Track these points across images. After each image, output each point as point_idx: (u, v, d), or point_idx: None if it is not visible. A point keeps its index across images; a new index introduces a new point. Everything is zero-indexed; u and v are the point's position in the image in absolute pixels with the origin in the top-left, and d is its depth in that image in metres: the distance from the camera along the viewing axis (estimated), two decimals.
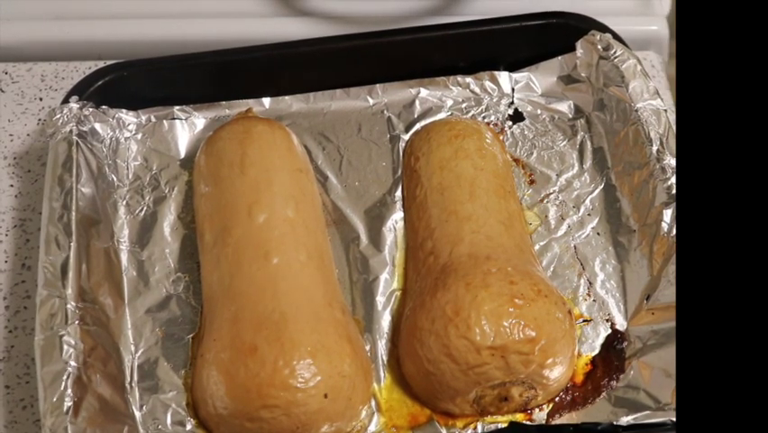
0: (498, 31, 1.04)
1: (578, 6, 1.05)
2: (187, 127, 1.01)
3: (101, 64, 1.07)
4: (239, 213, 0.86)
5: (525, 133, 1.02)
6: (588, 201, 0.96)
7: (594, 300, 0.89)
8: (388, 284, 0.90)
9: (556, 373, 0.80)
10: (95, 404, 0.76)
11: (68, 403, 0.74)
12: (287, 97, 1.03)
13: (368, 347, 0.85)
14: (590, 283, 0.90)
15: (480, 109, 1.04)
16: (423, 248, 0.88)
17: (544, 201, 0.96)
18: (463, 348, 0.77)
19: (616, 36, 1.02)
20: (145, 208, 0.94)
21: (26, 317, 0.89)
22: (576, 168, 0.99)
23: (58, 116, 0.93)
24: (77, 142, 0.91)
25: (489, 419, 0.81)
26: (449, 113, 1.03)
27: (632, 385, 0.82)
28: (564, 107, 1.04)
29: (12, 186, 0.99)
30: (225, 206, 0.87)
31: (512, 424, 0.80)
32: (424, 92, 1.04)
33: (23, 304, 0.90)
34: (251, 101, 1.03)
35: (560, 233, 0.94)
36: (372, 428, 0.81)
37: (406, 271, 0.91)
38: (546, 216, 0.95)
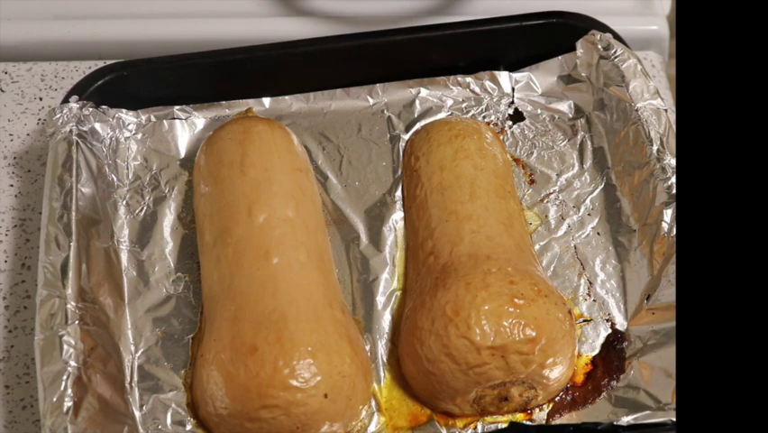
0: (498, 31, 1.04)
1: (578, 6, 1.05)
2: (187, 127, 1.01)
3: (101, 64, 1.08)
4: (239, 213, 0.86)
5: (526, 132, 1.02)
6: (588, 201, 0.96)
7: (594, 300, 0.89)
8: (388, 284, 0.90)
9: (556, 373, 0.80)
10: (95, 404, 0.76)
11: (68, 403, 0.74)
12: (287, 97, 1.03)
13: (368, 347, 0.85)
14: (591, 283, 0.90)
15: (480, 109, 1.04)
16: (423, 248, 0.88)
17: (545, 201, 0.96)
18: (463, 348, 0.77)
19: (616, 36, 1.02)
20: (145, 208, 0.94)
21: (26, 317, 0.89)
22: (576, 168, 0.99)
23: (58, 116, 0.93)
24: (77, 142, 0.91)
25: (489, 418, 0.81)
26: (449, 112, 1.03)
27: (632, 385, 0.82)
28: (564, 107, 1.04)
29: (12, 186, 0.99)
30: (225, 206, 0.87)
31: (512, 424, 0.80)
32: (424, 92, 1.04)
33: (23, 304, 0.90)
34: (251, 101, 1.03)
35: (560, 233, 0.94)
36: (372, 427, 0.81)
37: (406, 270, 0.91)
38: (546, 216, 0.95)
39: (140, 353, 0.85)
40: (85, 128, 0.94)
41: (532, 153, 1.00)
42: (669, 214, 0.87)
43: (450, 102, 1.04)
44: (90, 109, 0.95)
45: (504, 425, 0.81)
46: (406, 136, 1.01)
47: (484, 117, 1.03)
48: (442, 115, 1.03)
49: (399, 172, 0.98)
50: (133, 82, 1.00)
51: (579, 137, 1.01)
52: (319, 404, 0.76)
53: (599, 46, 1.00)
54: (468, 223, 0.87)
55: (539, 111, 1.04)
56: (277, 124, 0.96)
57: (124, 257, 0.91)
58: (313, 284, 0.83)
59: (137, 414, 0.80)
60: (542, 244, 0.93)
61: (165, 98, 1.01)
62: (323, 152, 1.00)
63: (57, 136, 0.92)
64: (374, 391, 0.83)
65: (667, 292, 0.85)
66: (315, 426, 0.77)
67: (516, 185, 0.96)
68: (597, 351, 0.86)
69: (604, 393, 0.83)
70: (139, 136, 0.99)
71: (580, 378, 0.84)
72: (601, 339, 0.87)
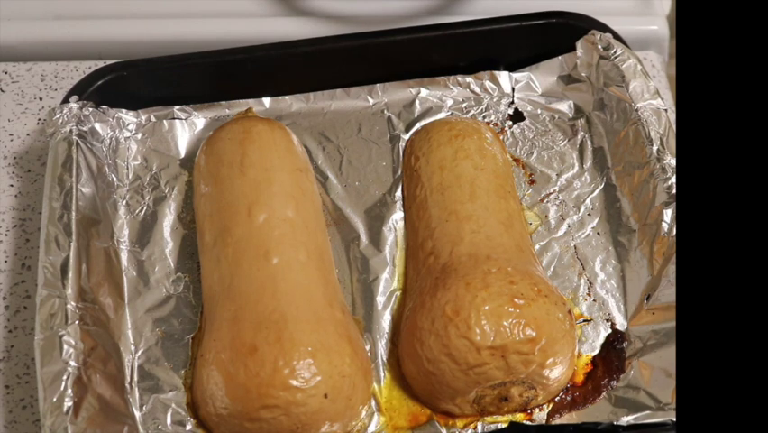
0: (498, 31, 1.04)
1: (578, 6, 1.05)
2: (187, 127, 1.01)
3: (101, 64, 1.08)
4: (239, 213, 0.86)
5: (526, 132, 1.02)
6: (588, 201, 0.96)
7: (594, 300, 0.89)
8: (388, 284, 0.90)
9: (556, 373, 0.80)
10: (95, 404, 0.76)
11: (68, 403, 0.74)
12: (287, 97, 1.03)
13: (368, 347, 0.85)
14: (590, 283, 0.90)
15: (480, 109, 1.04)
16: (423, 248, 0.88)
17: (545, 201, 0.96)
18: (463, 348, 0.77)
19: (616, 36, 1.02)
20: (145, 208, 0.94)
21: (26, 317, 0.89)
22: (576, 168, 0.99)
23: (58, 116, 0.93)
24: (77, 142, 0.91)
25: (489, 418, 0.81)
26: (449, 112, 1.03)
27: (632, 385, 0.82)
28: (564, 107, 1.04)
29: (12, 186, 0.99)
30: (225, 206, 0.87)
31: (512, 424, 0.80)
32: (424, 92, 1.04)
33: (23, 304, 0.90)
34: (251, 101, 1.03)
35: (560, 233, 0.94)
36: (372, 427, 0.81)
37: (406, 270, 0.91)
38: (546, 216, 0.95)
39: (140, 353, 0.85)
40: (85, 128, 0.94)
41: (532, 153, 1.00)
42: (669, 214, 0.87)
43: (450, 102, 1.04)
44: (90, 109, 0.95)
45: (504, 425, 0.81)
46: (406, 136, 1.01)
47: (484, 117, 1.03)
48: (442, 115, 1.03)
49: (399, 172, 0.98)
50: (133, 82, 1.00)
51: (579, 137, 1.01)
52: (319, 404, 0.76)
53: (599, 46, 1.00)
54: (468, 223, 0.87)
55: (539, 111, 1.04)
56: (277, 124, 0.96)
57: (124, 257, 0.91)
58: (313, 284, 0.83)
59: (137, 414, 0.80)
60: (542, 244, 0.93)
61: (165, 98, 1.01)
62: (323, 152, 1.00)
63: (57, 136, 0.92)
64: (374, 391, 0.83)
65: (667, 292, 0.85)
66: (315, 426, 0.77)
67: (516, 185, 0.96)
68: (597, 351, 0.86)
69: (604, 393, 0.83)
70: (139, 136, 0.99)
71: (580, 378, 0.84)
72: (601, 339, 0.87)
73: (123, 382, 0.81)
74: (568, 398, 0.83)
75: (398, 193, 0.97)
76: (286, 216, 0.86)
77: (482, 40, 1.04)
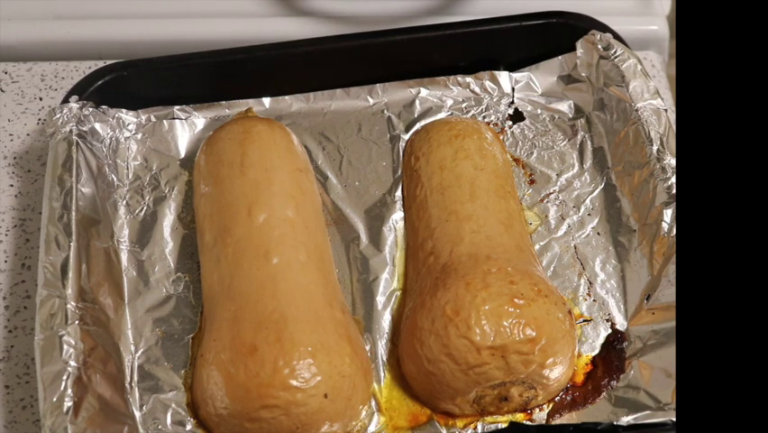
0: (498, 31, 1.04)
1: (578, 6, 1.05)
2: (187, 127, 1.01)
3: (101, 64, 1.08)
4: (239, 213, 0.86)
5: (526, 132, 1.02)
6: (588, 201, 0.96)
7: (594, 300, 0.89)
8: (388, 284, 0.90)
9: (556, 373, 0.80)
10: (95, 404, 0.76)
11: (68, 403, 0.74)
12: (287, 97, 1.04)
13: (368, 347, 0.85)
14: (590, 283, 0.90)
15: (480, 109, 1.04)
16: (423, 248, 0.88)
17: (545, 201, 0.96)
18: (463, 348, 0.77)
19: (616, 36, 1.02)
20: (145, 208, 0.95)
21: (26, 317, 0.89)
22: (576, 168, 0.99)
23: (58, 116, 0.93)
24: (77, 142, 0.91)
25: (489, 418, 0.81)
26: (449, 112, 1.03)
27: (632, 385, 0.82)
28: (564, 107, 1.04)
29: (12, 186, 0.99)
30: (225, 206, 0.87)
31: (512, 424, 0.80)
32: (424, 92, 1.04)
33: (23, 304, 0.90)
34: (251, 101, 1.03)
35: (560, 233, 0.94)
36: (372, 427, 0.81)
37: (406, 270, 0.91)
38: (546, 216, 0.95)
39: (140, 353, 0.85)
40: (85, 128, 0.94)
41: (532, 153, 1.00)
42: (669, 214, 0.87)
43: (450, 102, 1.04)
44: (90, 109, 0.95)
45: (504, 425, 0.81)
46: (406, 136, 1.01)
47: (484, 117, 1.03)
48: (442, 115, 1.03)
49: (399, 172, 0.98)
50: (133, 82, 1.00)
51: (579, 137, 1.01)
52: (319, 404, 0.76)
53: (599, 46, 1.00)
54: (468, 223, 0.87)
55: (539, 111, 1.04)
56: (277, 124, 0.96)
57: (124, 257, 0.91)
58: (313, 284, 0.83)
59: (137, 414, 0.80)
60: (542, 244, 0.93)
61: (165, 98, 1.01)
62: (323, 152, 1.00)
63: (57, 136, 0.92)
64: (374, 391, 0.83)
65: (667, 292, 0.85)
66: (315, 426, 0.77)
67: (516, 185, 0.96)
68: (597, 351, 0.86)
69: (604, 393, 0.83)
70: (139, 136, 0.99)
71: (580, 378, 0.84)
72: (601, 339, 0.87)
73: (123, 382, 0.81)
74: (568, 398, 0.83)
75: (398, 193, 0.97)
76: (286, 216, 0.86)
77: (482, 40, 1.04)
